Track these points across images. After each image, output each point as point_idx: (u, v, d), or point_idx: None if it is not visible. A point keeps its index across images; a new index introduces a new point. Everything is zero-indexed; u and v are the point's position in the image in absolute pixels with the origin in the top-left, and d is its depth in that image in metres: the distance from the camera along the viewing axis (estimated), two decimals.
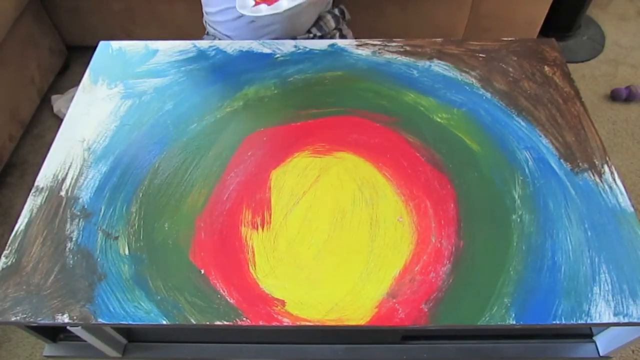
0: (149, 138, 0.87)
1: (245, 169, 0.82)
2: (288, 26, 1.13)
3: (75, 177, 0.81)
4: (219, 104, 0.91)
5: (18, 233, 0.75)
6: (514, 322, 0.65)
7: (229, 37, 1.19)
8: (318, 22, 1.20)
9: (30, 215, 0.77)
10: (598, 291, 0.67)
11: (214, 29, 1.21)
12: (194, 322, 0.66)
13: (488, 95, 0.91)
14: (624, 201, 0.76)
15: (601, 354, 0.80)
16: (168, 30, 1.74)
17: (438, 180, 0.79)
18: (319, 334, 0.83)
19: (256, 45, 1.02)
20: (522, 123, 0.87)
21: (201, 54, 1.00)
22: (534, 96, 0.91)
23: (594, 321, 0.65)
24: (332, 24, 1.20)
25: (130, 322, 0.66)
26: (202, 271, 0.70)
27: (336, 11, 1.23)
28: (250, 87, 0.94)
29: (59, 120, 1.72)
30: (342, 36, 1.25)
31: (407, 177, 0.80)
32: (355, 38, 1.02)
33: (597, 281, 0.68)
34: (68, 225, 0.75)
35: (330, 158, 0.83)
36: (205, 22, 1.25)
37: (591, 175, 0.79)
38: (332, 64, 0.98)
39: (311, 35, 1.19)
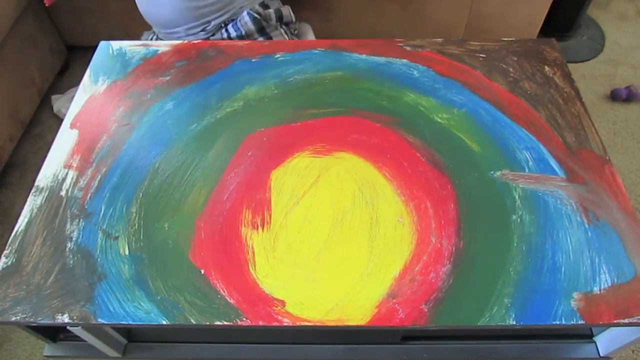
0: (149, 138, 0.86)
1: (245, 169, 0.82)
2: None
3: (75, 177, 0.81)
4: (219, 104, 0.91)
5: (18, 233, 0.75)
6: (514, 323, 0.65)
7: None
8: (236, 19, 1.17)
9: (30, 215, 0.77)
10: (598, 291, 0.67)
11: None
12: (194, 322, 0.66)
13: (488, 95, 0.91)
14: (624, 201, 0.76)
15: (601, 355, 0.80)
16: None
17: (438, 180, 0.79)
18: (319, 334, 0.83)
19: (257, 45, 1.02)
20: (523, 123, 0.87)
21: (201, 54, 1.00)
22: (534, 96, 0.91)
23: (594, 321, 0.65)
24: (251, 26, 1.17)
25: (130, 322, 0.66)
26: (202, 271, 0.70)
27: (256, 13, 1.17)
28: (250, 87, 0.94)
29: (59, 120, 1.72)
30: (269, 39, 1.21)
31: (407, 177, 0.80)
32: (356, 38, 1.02)
33: (597, 281, 0.68)
34: (68, 225, 0.75)
35: (330, 158, 0.83)
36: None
37: (591, 175, 0.79)
38: (332, 64, 0.98)
39: (225, 34, 1.17)
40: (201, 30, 1.18)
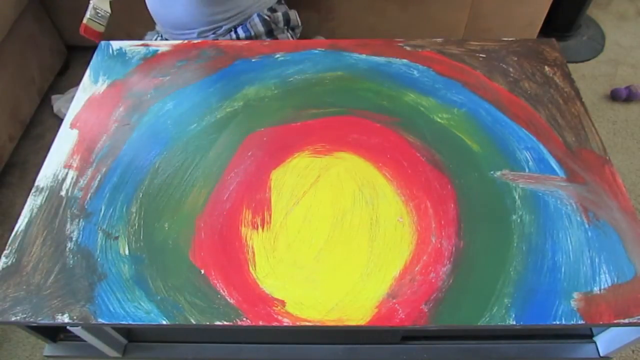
0: (149, 138, 0.86)
1: (245, 169, 0.82)
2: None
3: (75, 177, 0.81)
4: (219, 104, 0.91)
5: (18, 233, 0.75)
6: (514, 323, 0.65)
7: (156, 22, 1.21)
8: (245, 22, 1.19)
9: (30, 215, 0.77)
10: (598, 291, 0.67)
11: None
12: (194, 322, 0.66)
13: (488, 95, 0.91)
14: (624, 201, 0.76)
15: (601, 355, 0.80)
16: None
17: (438, 180, 0.79)
18: (319, 334, 0.83)
19: (257, 45, 1.02)
20: (523, 123, 0.87)
21: (201, 54, 1.00)
22: (534, 96, 0.91)
23: (594, 321, 0.65)
24: (261, 27, 1.19)
25: (130, 322, 0.66)
26: (202, 271, 0.70)
27: (266, 15, 1.20)
28: (250, 87, 0.94)
29: (59, 120, 1.72)
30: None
31: (407, 177, 0.80)
32: (356, 38, 1.02)
33: (597, 281, 0.68)
34: (68, 225, 0.75)
35: (330, 158, 0.83)
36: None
37: (591, 175, 0.79)
38: (332, 64, 0.98)
39: (234, 36, 1.19)
40: (212, 34, 1.19)
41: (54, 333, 0.82)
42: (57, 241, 0.74)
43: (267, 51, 1.00)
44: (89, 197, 0.79)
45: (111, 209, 0.77)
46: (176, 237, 0.74)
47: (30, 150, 1.67)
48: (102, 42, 1.04)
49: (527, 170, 0.80)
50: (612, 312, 0.65)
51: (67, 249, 0.73)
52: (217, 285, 0.69)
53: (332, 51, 1.00)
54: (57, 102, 1.74)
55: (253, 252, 0.72)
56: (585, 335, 0.83)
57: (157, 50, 1.01)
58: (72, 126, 0.89)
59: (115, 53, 1.02)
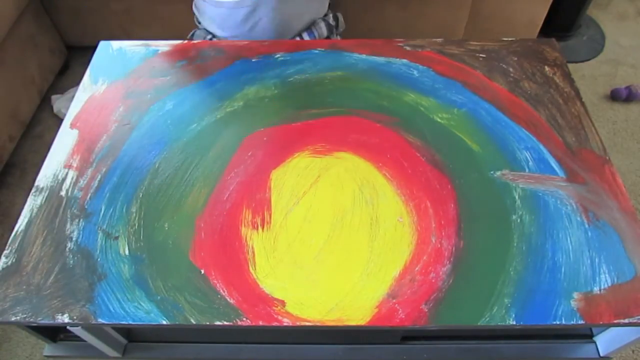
0: (149, 138, 0.87)
1: (245, 169, 0.82)
2: (276, 20, 1.13)
3: (75, 177, 0.81)
4: (219, 104, 0.91)
5: (18, 233, 0.75)
6: (514, 323, 0.65)
7: (216, 34, 1.19)
8: (310, 27, 1.20)
9: (30, 215, 0.77)
10: (598, 291, 0.67)
11: (202, 22, 1.22)
12: (194, 322, 0.66)
13: (488, 95, 0.91)
14: (624, 201, 0.76)
15: (601, 355, 0.80)
16: (168, 30, 1.74)
17: (438, 180, 0.79)
18: (319, 334, 0.83)
19: (257, 45, 1.02)
20: (523, 123, 0.87)
21: (201, 54, 1.00)
22: (534, 96, 0.91)
23: (594, 321, 0.65)
24: (324, 31, 1.20)
25: (130, 322, 0.66)
26: (202, 271, 0.70)
27: (330, 19, 1.22)
28: (250, 87, 0.94)
29: (59, 120, 1.72)
30: None
31: (407, 177, 0.80)
32: (356, 38, 1.02)
33: (597, 281, 0.68)
34: (68, 225, 0.75)
35: (330, 158, 0.83)
36: (195, 15, 1.25)
37: (591, 175, 0.79)
38: (332, 64, 0.98)
39: (299, 39, 1.19)
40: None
41: (54, 333, 0.82)
42: (57, 241, 0.74)
43: (267, 51, 1.00)
44: (89, 197, 0.79)
45: (111, 209, 0.77)
46: (176, 237, 0.74)
47: (30, 150, 1.67)
48: (102, 42, 1.04)
49: (527, 170, 0.80)
50: (612, 312, 0.65)
51: (67, 249, 0.73)
52: (217, 285, 0.69)
53: (332, 51, 1.00)
54: (57, 102, 1.74)
55: (253, 252, 0.72)
56: (585, 335, 0.83)
57: (157, 50, 1.01)
58: (72, 126, 0.89)
59: (115, 53, 1.02)
